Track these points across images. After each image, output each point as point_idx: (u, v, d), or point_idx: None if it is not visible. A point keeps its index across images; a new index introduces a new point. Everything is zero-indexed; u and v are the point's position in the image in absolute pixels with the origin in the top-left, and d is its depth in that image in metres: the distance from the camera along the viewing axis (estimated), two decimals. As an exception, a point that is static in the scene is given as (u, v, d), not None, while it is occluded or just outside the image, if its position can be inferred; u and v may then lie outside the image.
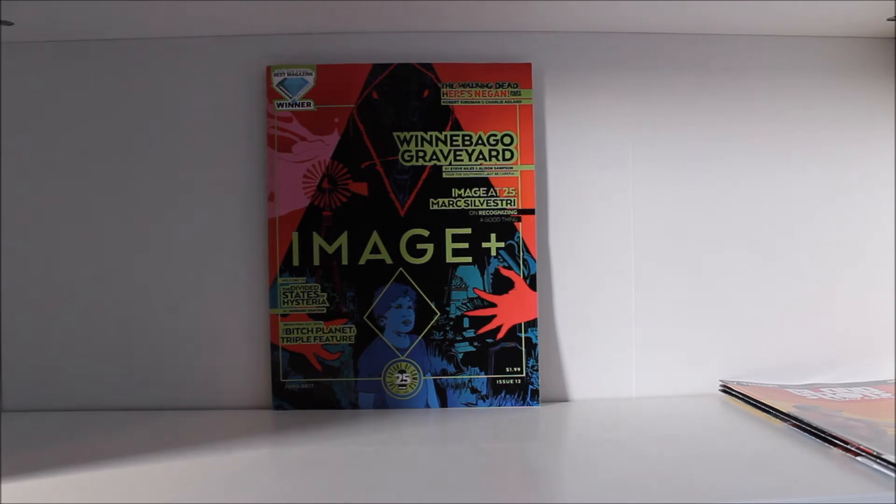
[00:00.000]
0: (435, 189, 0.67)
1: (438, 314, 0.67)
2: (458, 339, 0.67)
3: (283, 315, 0.67)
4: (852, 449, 0.49)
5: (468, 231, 0.67)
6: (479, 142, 0.68)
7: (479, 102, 0.68)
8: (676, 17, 0.66)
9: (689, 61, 0.70)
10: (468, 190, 0.68)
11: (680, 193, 0.71)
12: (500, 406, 0.66)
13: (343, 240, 0.67)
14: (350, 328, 0.67)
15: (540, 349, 0.69)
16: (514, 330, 0.67)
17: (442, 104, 0.68)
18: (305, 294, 0.67)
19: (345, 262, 0.67)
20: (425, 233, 0.67)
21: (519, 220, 0.68)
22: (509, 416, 0.63)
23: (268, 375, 0.68)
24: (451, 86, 0.68)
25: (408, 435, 0.57)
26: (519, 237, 0.67)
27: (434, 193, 0.67)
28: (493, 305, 0.67)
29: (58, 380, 0.69)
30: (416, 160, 0.68)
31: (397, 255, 0.67)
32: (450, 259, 0.67)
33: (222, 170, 0.69)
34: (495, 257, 0.67)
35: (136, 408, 0.69)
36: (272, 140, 0.67)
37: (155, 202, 0.69)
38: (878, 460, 0.47)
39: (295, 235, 0.67)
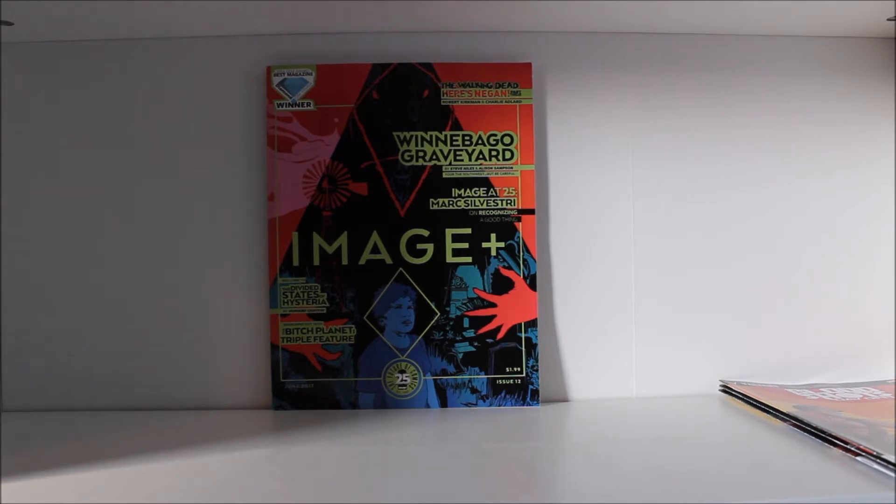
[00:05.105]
0: (435, 189, 0.67)
1: (438, 314, 0.67)
2: (458, 339, 0.67)
3: (283, 315, 0.67)
4: (852, 449, 0.49)
5: (468, 231, 0.67)
6: (479, 142, 0.68)
7: (479, 102, 0.68)
8: (676, 17, 0.66)
9: (689, 61, 0.70)
10: (468, 190, 0.68)
11: (680, 193, 0.71)
12: (500, 406, 0.66)
13: (343, 240, 0.67)
14: (350, 328, 0.67)
15: (540, 349, 0.69)
16: (514, 330, 0.67)
17: (442, 104, 0.68)
18: (305, 294, 0.67)
19: (345, 262, 0.67)
20: (425, 233, 0.67)
21: (519, 220, 0.68)
22: (509, 416, 0.63)
23: (268, 375, 0.68)
24: (451, 86, 0.68)
25: (408, 435, 0.57)
26: (519, 237, 0.67)
27: (434, 193, 0.67)
28: (493, 305, 0.67)
29: (58, 380, 0.69)
30: (416, 160, 0.68)
31: (397, 255, 0.67)
32: (450, 259, 0.67)
33: (222, 170, 0.69)
34: (495, 257, 0.67)
35: (136, 408, 0.69)
36: (272, 140, 0.67)
37: (155, 202, 0.69)
38: (878, 460, 0.47)
39: (295, 235, 0.67)
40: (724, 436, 0.56)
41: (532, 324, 0.67)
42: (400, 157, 0.67)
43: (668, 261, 0.71)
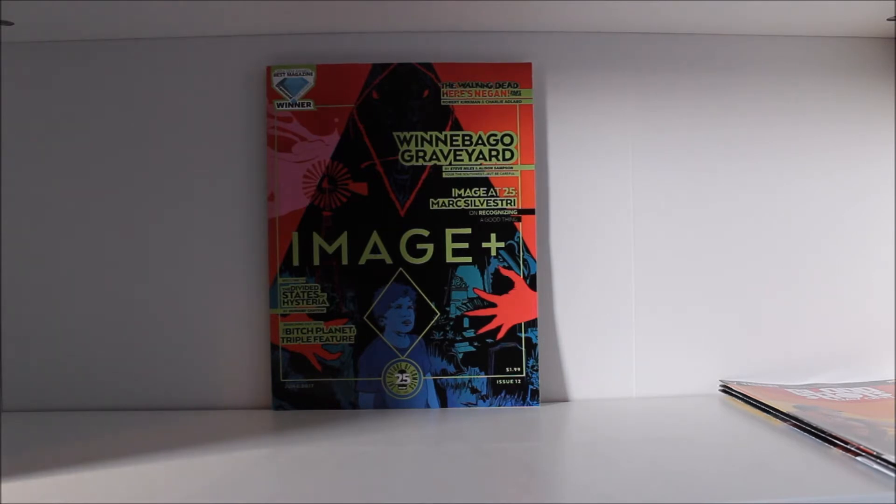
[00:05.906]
0: (435, 189, 0.67)
1: (438, 314, 0.67)
2: (458, 339, 0.67)
3: (283, 315, 0.67)
4: (852, 449, 0.49)
5: (468, 231, 0.67)
6: (479, 142, 0.68)
7: (479, 102, 0.68)
8: (676, 17, 0.66)
9: (689, 61, 0.70)
10: (468, 190, 0.68)
11: (680, 193, 0.71)
12: (500, 406, 0.66)
13: (343, 240, 0.67)
14: (350, 328, 0.67)
15: (540, 349, 0.69)
16: (514, 330, 0.67)
17: (442, 104, 0.68)
18: (305, 294, 0.67)
19: (345, 262, 0.67)
20: (425, 233, 0.67)
21: (519, 220, 0.68)
22: (509, 416, 0.63)
23: (268, 375, 0.68)
24: (451, 86, 0.68)
25: (408, 435, 0.57)
26: (519, 237, 0.67)
27: (434, 193, 0.67)
28: (493, 305, 0.67)
29: (58, 380, 0.69)
30: (416, 160, 0.68)
31: (397, 255, 0.67)
32: (450, 259, 0.67)
33: (222, 170, 0.69)
34: (495, 257, 0.67)
35: (136, 408, 0.69)
36: (272, 140, 0.67)
37: (155, 202, 0.69)
38: (878, 460, 0.47)
39: (295, 235, 0.67)
40: (724, 436, 0.56)
41: (532, 324, 0.67)
42: (400, 157, 0.67)
43: (668, 261, 0.71)
